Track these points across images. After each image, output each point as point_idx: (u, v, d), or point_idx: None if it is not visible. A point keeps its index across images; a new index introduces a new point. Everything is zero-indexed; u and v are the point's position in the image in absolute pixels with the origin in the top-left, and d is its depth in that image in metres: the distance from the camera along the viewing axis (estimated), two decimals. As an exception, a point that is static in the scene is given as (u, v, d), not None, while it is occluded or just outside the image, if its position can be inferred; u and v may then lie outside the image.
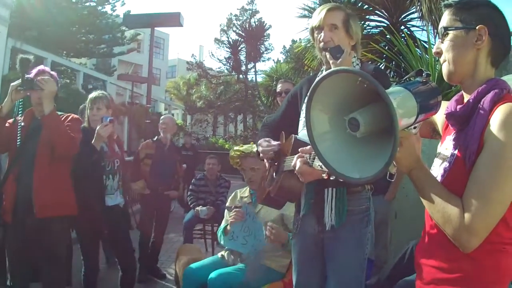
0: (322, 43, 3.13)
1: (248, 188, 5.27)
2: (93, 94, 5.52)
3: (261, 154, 3.38)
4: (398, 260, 5.07)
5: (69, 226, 4.73)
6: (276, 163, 3.30)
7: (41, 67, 4.71)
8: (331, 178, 2.10)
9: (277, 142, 3.24)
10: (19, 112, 4.49)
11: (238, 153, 5.28)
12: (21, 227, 4.33)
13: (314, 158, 2.45)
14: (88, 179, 4.90)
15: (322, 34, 3.14)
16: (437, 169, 2.16)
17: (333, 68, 1.77)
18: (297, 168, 2.72)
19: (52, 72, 4.77)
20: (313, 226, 3.21)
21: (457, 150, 2.03)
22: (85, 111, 5.61)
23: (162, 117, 8.02)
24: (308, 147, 2.62)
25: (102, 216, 5.11)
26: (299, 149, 2.73)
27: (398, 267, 5.01)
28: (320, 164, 2.16)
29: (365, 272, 3.22)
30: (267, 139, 3.33)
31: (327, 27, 3.12)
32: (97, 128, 4.91)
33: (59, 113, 4.59)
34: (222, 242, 4.95)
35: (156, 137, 7.78)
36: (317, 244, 3.24)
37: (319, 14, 3.16)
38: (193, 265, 4.89)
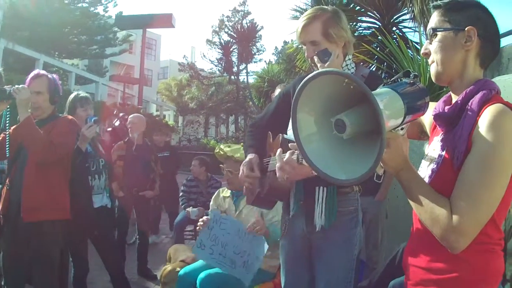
0: (309, 58, 3.15)
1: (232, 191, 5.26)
2: (80, 94, 5.53)
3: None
4: (389, 262, 5.07)
5: (62, 230, 4.66)
6: (264, 163, 3.28)
7: (36, 71, 4.72)
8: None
9: (258, 171, 3.17)
10: (7, 122, 4.44)
11: (222, 153, 5.28)
12: (13, 230, 4.35)
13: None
14: (74, 181, 4.86)
15: (305, 50, 3.16)
16: (425, 170, 2.16)
17: (320, 70, 1.76)
18: (285, 159, 2.69)
19: (54, 75, 4.79)
20: (301, 227, 3.20)
21: (444, 151, 2.03)
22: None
23: (130, 116, 7.98)
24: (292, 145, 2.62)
25: (90, 217, 5.11)
26: (289, 145, 2.72)
27: (389, 269, 5.01)
28: None
29: (357, 273, 3.22)
30: (253, 161, 3.22)
31: (309, 44, 3.11)
32: (82, 129, 4.89)
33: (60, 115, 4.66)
34: (192, 250, 4.89)
35: (127, 138, 7.76)
36: (305, 244, 3.24)
37: (298, 30, 3.16)
38: (186, 268, 4.89)
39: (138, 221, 7.78)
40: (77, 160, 4.85)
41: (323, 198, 3.04)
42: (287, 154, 2.71)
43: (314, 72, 1.73)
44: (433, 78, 2.18)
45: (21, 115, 4.18)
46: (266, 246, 4.41)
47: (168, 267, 5.36)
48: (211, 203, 5.33)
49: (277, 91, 6.22)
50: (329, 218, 3.04)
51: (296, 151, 2.62)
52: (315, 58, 3.05)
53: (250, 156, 3.27)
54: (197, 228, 4.84)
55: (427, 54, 2.17)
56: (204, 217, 4.86)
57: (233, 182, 5.07)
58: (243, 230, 4.58)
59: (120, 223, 7.26)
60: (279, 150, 2.74)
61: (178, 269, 5.05)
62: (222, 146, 5.45)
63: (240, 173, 3.25)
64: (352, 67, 3.20)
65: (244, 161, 3.28)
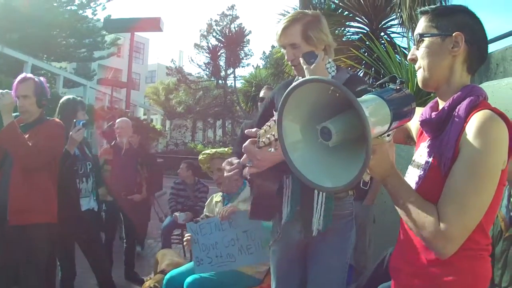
0: (289, 62, 3.17)
1: (221, 193, 5.25)
2: (77, 98, 5.55)
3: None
4: (377, 266, 5.07)
5: (49, 233, 4.64)
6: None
7: (23, 74, 4.73)
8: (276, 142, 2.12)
9: (237, 160, 3.16)
10: None
11: (205, 155, 5.28)
12: (1, 233, 4.37)
13: (259, 137, 2.45)
14: (63, 184, 4.86)
15: (285, 54, 3.17)
16: (412, 177, 2.15)
17: (305, 78, 1.75)
18: (243, 148, 2.71)
19: (42, 78, 4.82)
20: (298, 231, 3.20)
21: (432, 158, 2.02)
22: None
23: (117, 120, 7.95)
24: (254, 129, 2.63)
25: (77, 220, 5.10)
26: (245, 131, 2.74)
27: (377, 273, 5.01)
28: (264, 139, 2.18)
29: (346, 276, 3.24)
30: (229, 160, 3.26)
31: (289, 47, 3.13)
32: (71, 133, 4.89)
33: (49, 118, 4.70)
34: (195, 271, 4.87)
35: (114, 142, 7.75)
36: (300, 249, 3.27)
37: (277, 33, 3.16)
38: (173, 272, 4.90)
39: (125, 225, 7.76)
40: (65, 163, 4.86)
41: (322, 202, 3.05)
42: (246, 143, 2.71)
43: (300, 80, 1.72)
44: (420, 84, 2.17)
45: (5, 120, 4.19)
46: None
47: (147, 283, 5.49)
48: (204, 209, 5.32)
49: (262, 92, 6.22)
50: (326, 222, 3.05)
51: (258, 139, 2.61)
52: (301, 60, 3.04)
53: (228, 159, 3.30)
54: (185, 246, 4.83)
55: (414, 60, 2.16)
56: (186, 236, 4.85)
57: (223, 182, 5.05)
58: (220, 222, 4.61)
59: (108, 227, 7.25)
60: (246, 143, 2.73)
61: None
62: (203, 152, 5.49)
63: (225, 174, 3.25)
64: (333, 70, 3.21)
65: (223, 164, 3.32)
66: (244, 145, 2.70)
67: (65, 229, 4.94)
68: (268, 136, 2.30)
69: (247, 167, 2.89)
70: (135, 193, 7.73)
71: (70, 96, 5.77)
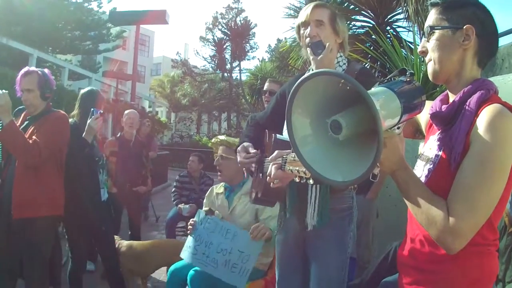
0: (308, 39, 3.10)
1: (223, 184, 5.21)
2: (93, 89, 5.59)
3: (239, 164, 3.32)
4: (381, 261, 5.05)
5: (53, 226, 4.68)
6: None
7: (26, 68, 4.72)
8: (302, 181, 2.10)
9: (254, 151, 3.17)
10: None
11: (217, 140, 5.26)
12: (6, 226, 4.40)
13: (285, 162, 2.42)
14: (82, 174, 4.93)
15: (308, 29, 3.10)
16: (421, 170, 2.14)
17: (314, 71, 1.73)
18: (272, 175, 2.67)
19: (45, 70, 4.80)
20: (295, 225, 3.20)
21: (441, 151, 2.01)
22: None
23: (126, 112, 7.95)
24: (275, 152, 2.61)
25: (94, 211, 5.13)
26: (268, 159, 2.72)
27: (382, 268, 4.99)
28: (291, 168, 2.15)
29: (349, 272, 3.22)
30: (246, 145, 3.25)
31: (313, 23, 3.08)
32: (89, 121, 4.91)
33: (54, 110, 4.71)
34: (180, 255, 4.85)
35: (120, 133, 7.79)
36: (299, 242, 3.26)
37: (306, 10, 3.13)
38: (177, 264, 4.88)
39: (130, 215, 7.85)
40: (83, 151, 4.89)
41: (316, 198, 3.03)
42: (270, 165, 2.69)
43: (309, 73, 1.71)
44: (430, 77, 2.16)
45: (3, 121, 4.21)
46: (260, 245, 4.38)
47: None
48: (204, 201, 5.29)
49: (266, 85, 6.20)
50: (321, 218, 3.03)
51: (279, 159, 2.60)
52: (308, 51, 3.04)
53: (244, 144, 3.28)
54: (188, 231, 4.81)
55: (424, 53, 2.15)
56: (191, 220, 4.85)
57: (223, 170, 5.04)
58: (227, 229, 4.56)
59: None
60: (272, 155, 2.70)
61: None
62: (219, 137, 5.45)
63: (238, 159, 3.26)
64: (344, 63, 3.21)
65: (237, 148, 3.31)
66: (273, 174, 2.65)
67: (84, 220, 5.00)
68: (297, 169, 2.26)
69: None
70: (140, 185, 7.77)
71: (90, 88, 5.77)
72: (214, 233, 4.58)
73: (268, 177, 2.75)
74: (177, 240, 7.31)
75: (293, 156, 2.35)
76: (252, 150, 3.18)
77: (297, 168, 2.13)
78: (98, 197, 5.27)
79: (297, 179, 2.19)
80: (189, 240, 4.73)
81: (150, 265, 5.93)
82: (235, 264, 4.38)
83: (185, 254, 4.70)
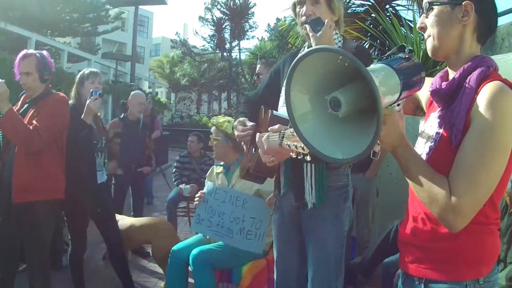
0: (303, 17, 3.09)
1: (222, 164, 5.27)
2: (89, 70, 5.54)
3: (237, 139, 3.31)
4: (383, 240, 5.09)
5: (54, 210, 4.68)
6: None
7: (24, 51, 4.70)
8: (299, 157, 2.07)
9: (251, 124, 3.17)
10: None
11: (213, 121, 5.33)
12: (7, 210, 4.42)
13: (283, 137, 2.40)
14: (81, 156, 4.94)
15: (304, 7, 3.09)
16: (422, 148, 2.13)
17: (312, 47, 1.71)
18: (264, 148, 2.62)
19: (44, 52, 4.78)
20: (290, 203, 3.22)
21: (442, 129, 2.00)
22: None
23: (133, 93, 7.98)
24: (277, 125, 2.56)
25: (92, 194, 5.12)
26: (268, 128, 2.66)
27: (383, 247, 5.03)
28: (289, 143, 2.13)
29: (349, 250, 3.23)
30: (242, 119, 3.24)
31: (309, 1, 3.08)
32: (88, 102, 4.91)
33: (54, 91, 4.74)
34: (191, 227, 4.90)
35: (123, 114, 7.80)
36: (294, 220, 3.28)
37: None
38: (179, 244, 4.90)
39: (133, 197, 7.96)
40: (82, 133, 4.88)
41: (311, 174, 3.04)
42: (264, 137, 2.66)
43: (307, 50, 1.69)
44: (429, 53, 2.14)
45: (2, 109, 4.21)
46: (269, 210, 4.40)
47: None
48: (206, 180, 5.31)
49: (258, 67, 6.16)
50: (320, 196, 3.05)
51: (275, 133, 2.58)
52: (307, 27, 3.01)
53: (240, 118, 3.28)
54: (194, 204, 4.84)
55: (423, 29, 2.13)
56: (199, 192, 4.88)
57: (215, 150, 5.23)
58: (236, 197, 4.64)
59: (117, 201, 7.27)
60: (266, 135, 2.67)
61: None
62: (215, 117, 5.47)
63: (236, 133, 3.26)
64: (340, 41, 3.20)
65: (235, 123, 3.31)
66: (267, 147, 2.63)
67: (81, 203, 5.01)
68: (295, 144, 2.22)
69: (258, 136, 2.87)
70: (144, 165, 7.83)
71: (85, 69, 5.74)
72: (225, 202, 4.67)
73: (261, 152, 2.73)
74: (158, 218, 7.39)
75: (291, 131, 2.33)
76: (249, 123, 3.18)
77: (295, 144, 2.11)
78: (94, 180, 5.24)
79: (293, 155, 2.17)
80: (199, 214, 4.78)
81: (132, 242, 6.12)
82: (250, 231, 4.47)
83: (199, 227, 4.78)
